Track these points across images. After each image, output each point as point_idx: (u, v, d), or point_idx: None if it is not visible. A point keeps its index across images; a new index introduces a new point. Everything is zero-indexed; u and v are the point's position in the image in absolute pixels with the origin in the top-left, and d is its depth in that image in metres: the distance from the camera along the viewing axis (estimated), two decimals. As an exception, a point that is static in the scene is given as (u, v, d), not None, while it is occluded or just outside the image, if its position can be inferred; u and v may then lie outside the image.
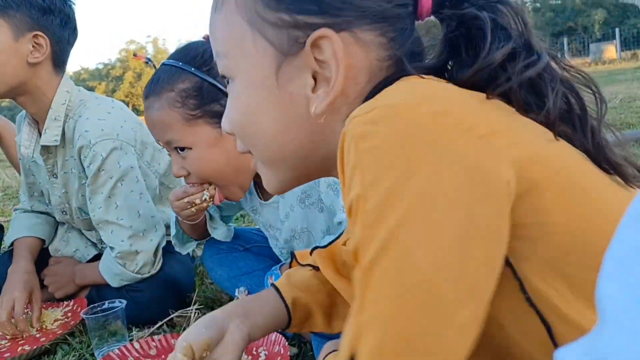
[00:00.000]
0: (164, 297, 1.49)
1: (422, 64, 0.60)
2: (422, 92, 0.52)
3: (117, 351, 1.24)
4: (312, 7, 0.56)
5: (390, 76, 0.58)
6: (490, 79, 0.54)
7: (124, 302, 1.33)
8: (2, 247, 2.04)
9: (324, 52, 0.56)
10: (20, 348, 1.37)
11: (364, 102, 0.53)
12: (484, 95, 0.53)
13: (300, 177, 0.67)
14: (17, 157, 1.85)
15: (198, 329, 0.80)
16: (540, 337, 0.49)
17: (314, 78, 0.58)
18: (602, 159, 0.54)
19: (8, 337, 1.44)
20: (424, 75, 0.56)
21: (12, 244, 1.63)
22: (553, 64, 0.57)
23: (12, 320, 1.40)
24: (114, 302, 1.34)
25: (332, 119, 0.58)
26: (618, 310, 0.26)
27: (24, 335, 1.43)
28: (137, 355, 1.25)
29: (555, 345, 0.49)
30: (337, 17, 0.56)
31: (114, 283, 1.49)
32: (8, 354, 1.34)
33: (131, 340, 1.33)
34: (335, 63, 0.56)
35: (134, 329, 1.44)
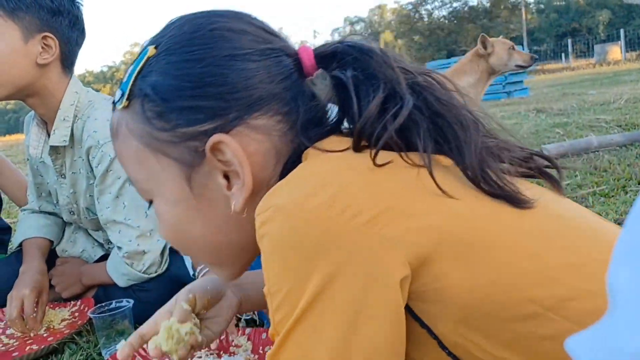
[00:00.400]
0: (170, 296, 1.49)
1: (322, 128, 0.60)
2: (311, 181, 0.52)
3: (124, 350, 1.25)
4: (199, 117, 0.57)
5: (295, 151, 0.59)
6: (372, 132, 0.54)
7: (131, 301, 1.34)
8: (9, 247, 2.06)
9: (225, 153, 0.57)
10: (28, 347, 1.38)
11: (280, 176, 0.56)
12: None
13: (246, 263, 0.68)
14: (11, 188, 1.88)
15: (203, 285, 0.83)
16: None
17: (226, 176, 0.59)
18: (487, 189, 0.53)
19: (16, 335, 1.45)
20: (322, 148, 0.56)
21: (20, 244, 1.64)
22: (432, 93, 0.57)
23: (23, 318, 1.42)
24: (121, 302, 1.34)
25: (253, 208, 0.57)
26: (629, 298, 0.26)
27: (32, 335, 1.44)
28: (144, 354, 1.26)
29: None
30: (226, 117, 0.57)
31: (121, 283, 1.50)
32: (16, 353, 1.35)
33: (138, 339, 1.33)
34: (237, 161, 0.56)
35: (141, 328, 1.45)
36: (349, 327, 0.49)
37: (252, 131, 0.57)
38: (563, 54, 26.54)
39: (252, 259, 0.67)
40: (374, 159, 0.51)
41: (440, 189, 0.51)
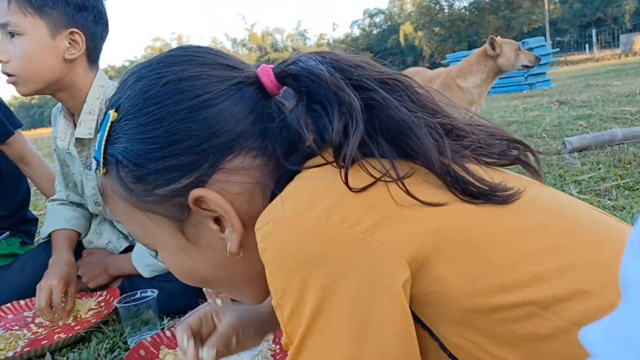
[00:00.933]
0: (193, 287, 1.52)
1: (301, 153, 0.59)
2: (306, 195, 0.52)
3: (149, 339, 1.27)
4: (174, 175, 0.57)
5: (282, 177, 0.58)
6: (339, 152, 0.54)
7: (156, 291, 1.36)
8: (36, 239, 2.11)
9: (208, 203, 0.57)
10: (56, 336, 1.42)
11: (271, 198, 0.56)
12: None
13: (265, 288, 0.70)
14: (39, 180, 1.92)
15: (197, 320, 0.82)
16: None
17: (217, 221, 0.59)
18: (461, 190, 0.53)
19: (45, 324, 1.49)
20: (308, 167, 0.56)
21: (49, 235, 1.68)
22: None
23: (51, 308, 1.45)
24: (146, 292, 1.37)
25: (252, 239, 0.57)
26: None
27: (60, 324, 1.48)
28: (168, 343, 1.29)
29: None
30: (200, 168, 0.57)
31: (146, 274, 1.53)
32: (45, 341, 1.39)
33: (162, 329, 1.36)
34: (222, 209, 0.57)
35: (165, 318, 1.47)
36: (359, 333, 0.50)
37: (230, 174, 0.57)
38: (587, 45, 26.02)
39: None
40: (345, 182, 0.51)
41: (416, 199, 0.51)
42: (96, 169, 0.60)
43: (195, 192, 0.56)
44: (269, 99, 0.61)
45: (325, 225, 0.49)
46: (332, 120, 0.54)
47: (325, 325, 0.50)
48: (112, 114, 0.58)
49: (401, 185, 0.51)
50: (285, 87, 0.60)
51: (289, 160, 0.58)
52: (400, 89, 0.57)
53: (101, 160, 0.59)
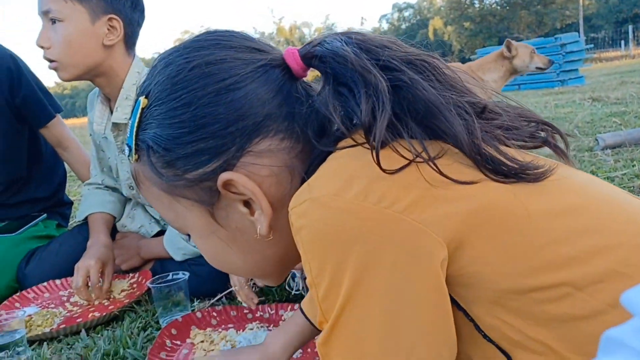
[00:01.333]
0: (222, 272, 1.55)
1: (332, 135, 0.59)
2: (342, 176, 0.52)
3: (180, 319, 1.31)
4: (203, 159, 0.58)
5: (314, 159, 0.59)
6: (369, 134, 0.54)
7: (187, 274, 1.40)
8: (70, 222, 2.17)
9: (237, 186, 0.58)
10: (90, 314, 1.46)
11: (302, 180, 0.57)
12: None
13: (287, 268, 0.70)
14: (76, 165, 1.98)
15: None
16: None
17: (246, 204, 0.60)
18: (492, 169, 0.53)
19: (80, 302, 1.54)
20: (340, 148, 0.56)
21: (85, 218, 1.72)
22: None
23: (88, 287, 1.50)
24: (177, 274, 1.40)
25: (281, 222, 0.60)
26: None
27: (96, 303, 1.53)
28: (198, 323, 1.32)
29: None
30: (227, 152, 0.57)
31: (177, 257, 1.56)
32: (80, 319, 1.43)
33: (193, 310, 1.39)
34: (250, 191, 0.58)
35: (195, 300, 1.51)
36: (395, 311, 0.50)
37: (258, 157, 0.58)
38: (622, 42, 25.36)
39: (293, 263, 0.68)
40: (378, 163, 0.51)
41: (449, 178, 0.51)
42: (129, 155, 0.62)
43: (224, 176, 0.57)
44: (296, 81, 0.62)
45: (363, 205, 0.50)
46: (360, 103, 0.54)
47: (361, 303, 0.51)
48: (143, 101, 0.60)
49: (433, 166, 0.51)
50: (311, 70, 0.61)
51: (321, 142, 0.58)
52: (427, 69, 0.57)
53: (133, 146, 0.60)
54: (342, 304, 0.51)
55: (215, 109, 0.57)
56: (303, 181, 0.56)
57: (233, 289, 1.36)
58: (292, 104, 0.60)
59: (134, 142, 0.60)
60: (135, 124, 0.60)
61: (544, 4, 33.61)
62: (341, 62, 0.56)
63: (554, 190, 0.54)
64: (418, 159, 0.51)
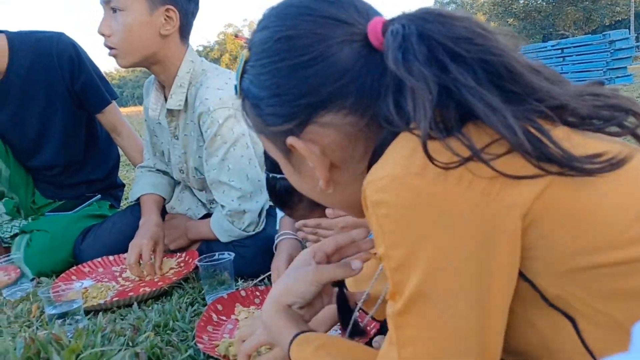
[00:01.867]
0: (265, 253, 1.61)
1: (402, 120, 0.58)
2: (420, 155, 0.54)
3: (226, 296, 1.37)
4: (278, 120, 0.66)
5: (386, 138, 0.61)
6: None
7: (232, 254, 1.46)
8: (122, 203, 2.28)
9: (300, 150, 0.66)
10: (141, 289, 1.55)
11: (374, 153, 0.62)
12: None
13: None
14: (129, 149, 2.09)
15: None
16: (568, 332, 0.56)
17: None
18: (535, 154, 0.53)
19: (131, 278, 1.63)
20: (413, 130, 0.56)
21: (137, 199, 1.82)
22: None
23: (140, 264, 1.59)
24: (223, 254, 1.47)
25: (344, 179, 0.68)
26: None
27: (147, 279, 1.61)
28: (242, 301, 1.38)
29: (582, 340, 0.56)
30: (296, 119, 0.65)
31: (223, 238, 1.63)
32: (132, 293, 1.52)
33: (237, 289, 1.46)
34: (308, 157, 0.66)
35: (239, 280, 1.58)
36: (479, 286, 0.53)
37: (322, 128, 0.64)
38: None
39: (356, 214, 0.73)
40: (430, 159, 0.53)
41: (496, 170, 0.52)
42: (236, 93, 0.72)
43: (289, 140, 0.66)
44: (377, 53, 0.62)
45: (443, 185, 0.53)
46: (406, 100, 0.56)
47: (442, 278, 0.53)
48: (246, 53, 0.69)
49: (489, 165, 0.52)
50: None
51: (393, 123, 0.59)
52: (499, 70, 0.56)
53: (238, 88, 0.70)
54: (421, 278, 0.53)
55: (289, 81, 0.64)
56: (367, 151, 0.63)
57: (272, 282, 1.41)
58: (364, 81, 0.63)
59: (239, 85, 0.70)
60: (240, 71, 0.69)
61: (592, 0, 32.56)
62: (395, 60, 0.58)
63: (629, 174, 0.55)
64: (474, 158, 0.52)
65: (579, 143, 0.55)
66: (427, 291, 0.54)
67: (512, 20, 35.77)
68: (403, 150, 0.57)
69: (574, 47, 10.29)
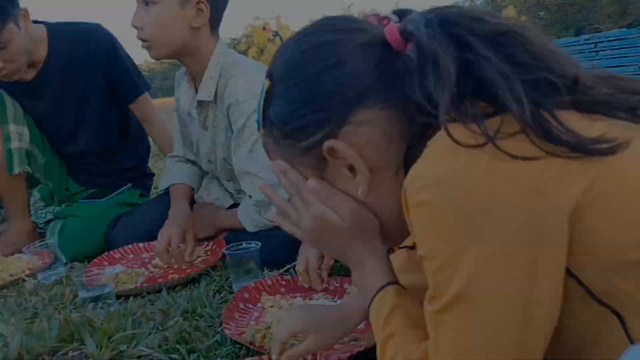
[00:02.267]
0: (291, 244, 1.63)
1: (432, 113, 0.60)
2: (462, 155, 0.55)
3: (252, 284, 1.40)
4: (311, 130, 0.67)
5: (416, 131, 0.63)
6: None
7: (259, 244, 1.49)
8: (152, 192, 2.33)
9: (339, 153, 0.66)
10: (170, 276, 1.59)
11: (407, 153, 0.64)
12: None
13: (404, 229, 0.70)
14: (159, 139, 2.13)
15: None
16: (613, 327, 0.56)
17: (350, 168, 0.67)
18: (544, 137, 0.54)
19: (159, 265, 1.67)
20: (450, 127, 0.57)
21: (166, 188, 1.86)
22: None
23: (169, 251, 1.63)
24: (250, 243, 1.49)
25: (381, 185, 0.68)
26: None
27: (175, 267, 1.65)
28: (269, 290, 1.41)
29: (627, 333, 0.55)
30: (330, 123, 0.66)
31: (250, 228, 1.66)
32: (161, 280, 1.56)
33: (263, 278, 1.48)
34: (350, 156, 0.66)
35: (265, 269, 1.60)
36: (524, 289, 0.53)
37: (357, 126, 0.65)
38: None
39: (401, 232, 0.70)
40: (454, 141, 0.55)
41: (512, 155, 0.53)
42: (258, 129, 0.73)
43: (327, 143, 0.66)
44: (397, 55, 0.66)
45: (487, 187, 0.53)
46: (429, 80, 0.59)
47: (487, 280, 0.53)
48: (267, 83, 0.70)
49: (494, 146, 0.53)
50: (410, 45, 0.64)
51: (423, 109, 0.61)
52: (513, 42, 0.58)
53: (260, 122, 0.72)
54: (465, 279, 0.54)
55: (320, 85, 0.66)
56: (401, 149, 0.65)
57: (297, 272, 1.43)
58: (391, 76, 0.66)
59: (261, 119, 0.71)
60: (262, 103, 0.71)
61: (629, -7, 31.66)
62: (418, 44, 0.61)
63: None
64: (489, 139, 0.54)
65: (589, 126, 0.56)
66: (471, 293, 0.54)
67: (543, 13, 35.05)
68: (444, 149, 0.57)
69: (608, 41, 9.99)
